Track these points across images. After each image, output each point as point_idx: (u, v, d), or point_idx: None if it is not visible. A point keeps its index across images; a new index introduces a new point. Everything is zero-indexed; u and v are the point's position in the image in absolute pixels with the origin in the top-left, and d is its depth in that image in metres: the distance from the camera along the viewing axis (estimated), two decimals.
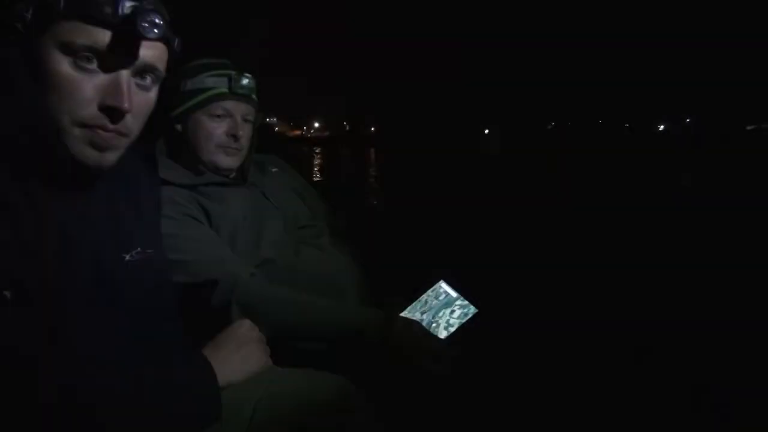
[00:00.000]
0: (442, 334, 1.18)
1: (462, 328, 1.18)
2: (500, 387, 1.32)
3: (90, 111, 0.75)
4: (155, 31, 0.75)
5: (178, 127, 1.32)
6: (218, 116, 1.33)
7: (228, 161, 1.35)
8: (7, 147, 0.70)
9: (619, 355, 1.78)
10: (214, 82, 1.33)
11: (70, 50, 0.73)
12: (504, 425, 1.27)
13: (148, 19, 0.74)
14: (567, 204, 7.17)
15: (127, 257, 0.86)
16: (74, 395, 0.71)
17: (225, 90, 1.33)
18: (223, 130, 1.34)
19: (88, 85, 0.75)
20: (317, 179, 13.05)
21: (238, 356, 0.94)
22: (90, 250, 0.79)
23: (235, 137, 1.34)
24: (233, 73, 1.34)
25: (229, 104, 1.34)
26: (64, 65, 0.73)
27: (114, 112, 0.76)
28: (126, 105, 0.76)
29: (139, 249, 0.88)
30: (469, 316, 1.20)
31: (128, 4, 0.74)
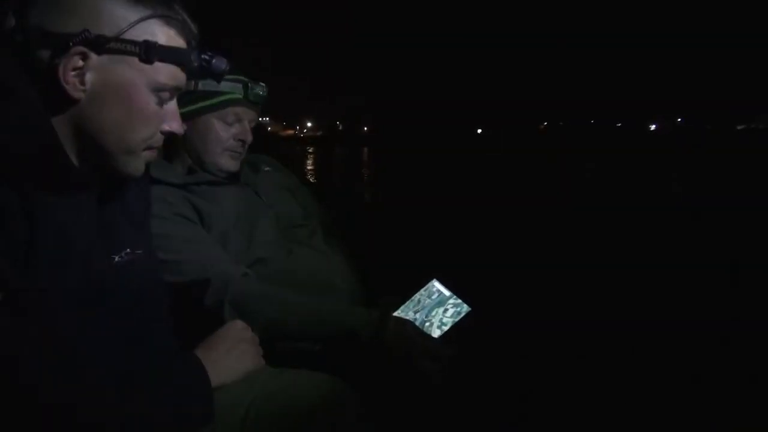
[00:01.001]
0: (436, 333, 1.17)
1: (455, 326, 1.18)
2: (494, 386, 1.32)
3: (158, 136, 0.85)
4: (227, 69, 0.88)
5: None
6: (229, 121, 1.35)
7: (232, 164, 1.37)
8: (4, 153, 0.71)
9: (613, 355, 1.78)
10: (230, 87, 1.33)
11: (159, 89, 0.81)
12: (498, 424, 1.27)
13: (224, 65, 0.87)
14: (562, 203, 7.21)
15: (116, 258, 0.85)
16: (64, 397, 0.70)
17: (239, 96, 1.35)
18: (233, 135, 1.35)
19: (161, 116, 0.83)
20: (310, 179, 13.05)
21: (231, 357, 0.94)
22: (79, 251, 0.78)
23: (243, 142, 1.37)
24: (248, 80, 1.35)
25: (241, 110, 1.36)
26: (152, 103, 0.81)
27: (168, 134, 0.86)
28: (182, 129, 0.87)
29: (128, 250, 0.87)
30: (462, 314, 1.19)
31: (210, 54, 0.86)
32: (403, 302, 1.24)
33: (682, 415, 1.53)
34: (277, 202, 1.44)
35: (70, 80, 0.75)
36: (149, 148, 0.84)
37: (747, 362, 1.81)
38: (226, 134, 1.34)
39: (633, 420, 1.48)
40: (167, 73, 0.81)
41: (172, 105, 0.85)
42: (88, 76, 0.76)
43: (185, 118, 1.29)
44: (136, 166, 0.84)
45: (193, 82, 1.30)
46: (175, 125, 0.85)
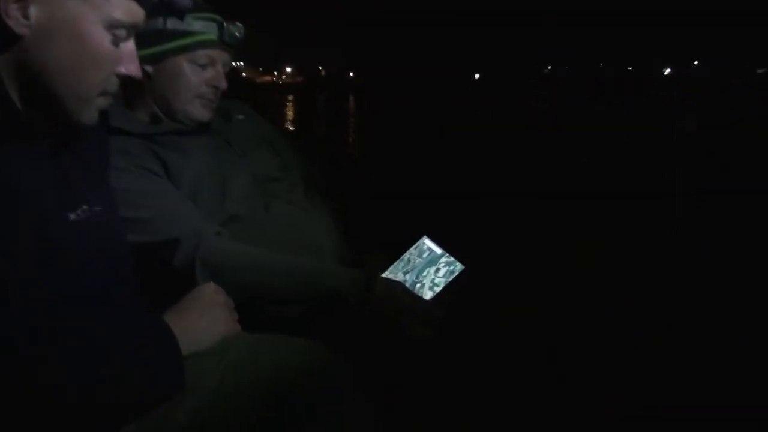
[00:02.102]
0: (427, 295, 1.19)
1: (448, 287, 1.19)
2: (489, 350, 1.34)
3: (113, 80, 0.83)
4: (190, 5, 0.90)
5: (148, 68, 1.29)
6: (202, 64, 1.32)
7: (204, 113, 1.35)
8: None
9: (608, 320, 1.82)
10: (203, 26, 1.30)
11: (114, 27, 0.79)
12: (492, 390, 1.29)
13: (187, 1, 0.91)
14: (561, 154, 7.21)
15: (72, 216, 0.84)
16: (28, 363, 0.71)
17: (213, 37, 1.32)
18: (205, 80, 1.33)
19: (116, 57, 0.82)
20: (291, 130, 12.95)
21: (203, 322, 0.95)
22: (32, 209, 0.78)
23: (216, 89, 1.34)
24: (223, 19, 1.32)
25: (215, 53, 1.33)
26: (106, 41, 0.80)
27: (125, 78, 0.85)
28: (140, 73, 0.86)
29: (85, 207, 0.86)
30: (456, 274, 1.21)
31: None
32: (392, 262, 1.25)
33: (674, 393, 1.57)
34: (253, 153, 1.43)
35: (12, 14, 0.74)
36: (103, 93, 0.83)
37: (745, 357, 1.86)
38: (198, 79, 1.32)
39: (629, 390, 1.52)
40: (123, 8, 0.79)
41: (129, 45, 0.83)
42: (33, 10, 0.74)
43: (152, 60, 1.28)
44: (88, 113, 0.83)
45: (161, 20, 1.27)
46: (132, 68, 0.84)
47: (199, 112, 1.34)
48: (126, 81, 0.85)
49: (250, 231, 1.29)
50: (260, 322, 1.08)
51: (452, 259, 1.23)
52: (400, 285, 1.18)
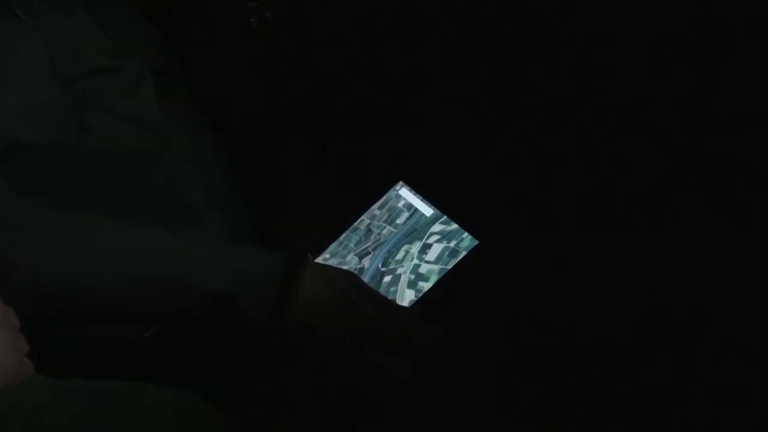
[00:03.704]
0: (406, 297, 1.21)
1: (446, 280, 1.21)
2: (510, 392, 1.37)
3: None
4: None
5: None
6: None
7: None
8: None
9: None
10: None
11: None
12: None
13: None
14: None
15: None
16: None
17: None
18: None
19: None
20: None
21: None
22: None
23: None
24: None
25: None
26: None
27: None
28: None
29: None
30: (461, 255, 1.22)
31: None
32: (337, 236, 1.29)
33: None
34: (52, 22, 1.43)
35: None
36: None
37: None
38: None
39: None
40: None
41: None
42: None
43: None
44: None
45: None
46: None
47: None
48: None
49: (50, 173, 1.30)
50: (75, 354, 1.11)
51: (455, 226, 1.24)
52: (350, 278, 1.19)
